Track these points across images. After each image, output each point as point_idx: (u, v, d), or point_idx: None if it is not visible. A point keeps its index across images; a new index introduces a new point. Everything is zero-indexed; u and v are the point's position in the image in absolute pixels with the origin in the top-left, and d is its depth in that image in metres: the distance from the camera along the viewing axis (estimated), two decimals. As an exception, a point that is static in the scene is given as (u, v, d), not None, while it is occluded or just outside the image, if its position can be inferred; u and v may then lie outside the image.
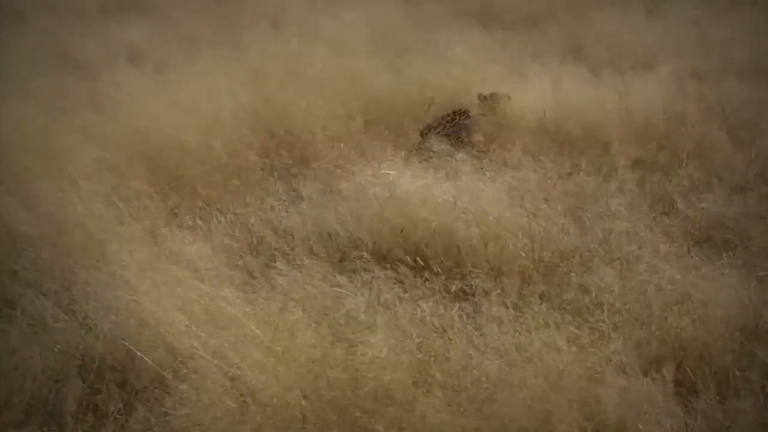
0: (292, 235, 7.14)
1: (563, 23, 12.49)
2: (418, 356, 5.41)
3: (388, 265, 6.52)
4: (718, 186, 7.73)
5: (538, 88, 9.30)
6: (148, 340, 5.72)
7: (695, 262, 6.58)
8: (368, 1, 12.86)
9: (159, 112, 8.67)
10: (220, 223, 7.32)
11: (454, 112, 8.70)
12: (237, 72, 9.67)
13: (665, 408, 5.15)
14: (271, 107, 8.79)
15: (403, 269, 6.45)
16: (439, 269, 6.55)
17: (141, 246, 6.77)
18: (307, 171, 8.14)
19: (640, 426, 5.00)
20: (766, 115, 8.97)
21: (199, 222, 7.26)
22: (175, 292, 6.04)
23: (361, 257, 6.60)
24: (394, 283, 6.26)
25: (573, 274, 6.41)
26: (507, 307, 5.95)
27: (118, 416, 5.39)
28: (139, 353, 5.65)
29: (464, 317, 5.96)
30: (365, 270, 6.41)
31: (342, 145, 8.47)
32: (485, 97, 9.05)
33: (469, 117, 8.73)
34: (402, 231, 6.85)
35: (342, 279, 6.30)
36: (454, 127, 8.61)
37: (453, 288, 6.38)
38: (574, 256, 6.70)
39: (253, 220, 7.42)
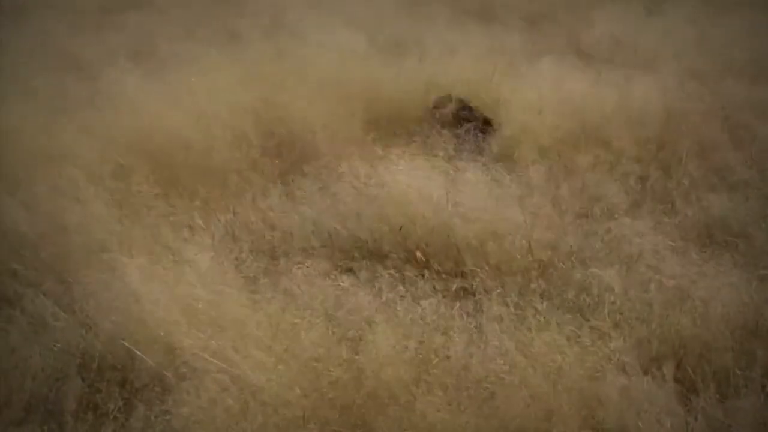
0: (292, 234, 7.14)
1: (563, 22, 12.52)
2: (419, 355, 5.41)
3: (388, 264, 6.53)
4: (718, 185, 7.75)
5: (537, 88, 9.29)
6: (148, 340, 5.70)
7: (695, 261, 6.58)
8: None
9: (159, 111, 8.66)
10: (219, 222, 7.30)
11: (457, 110, 8.70)
12: (237, 71, 9.67)
13: (665, 407, 5.15)
14: (271, 106, 8.77)
15: (404, 268, 6.47)
16: (439, 268, 6.55)
17: (141, 245, 6.78)
18: (307, 170, 8.09)
19: (640, 425, 4.99)
20: (766, 115, 8.98)
21: (199, 221, 7.23)
22: (176, 291, 6.04)
23: (361, 256, 6.62)
24: (395, 281, 6.26)
25: (573, 273, 6.42)
26: (508, 306, 5.94)
27: (118, 415, 5.37)
28: (139, 352, 5.64)
29: (465, 316, 5.95)
30: (366, 269, 6.42)
31: (342, 144, 8.46)
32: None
33: (469, 111, 8.71)
34: (401, 229, 6.85)
35: (343, 278, 6.31)
36: (454, 126, 8.61)
37: (454, 287, 6.39)
38: (574, 255, 6.70)
39: (252, 219, 7.39)
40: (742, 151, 8.35)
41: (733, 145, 8.45)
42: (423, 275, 6.42)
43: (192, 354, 5.52)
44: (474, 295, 6.28)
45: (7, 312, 6.17)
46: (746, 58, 10.45)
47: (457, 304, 6.11)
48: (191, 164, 8.07)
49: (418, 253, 6.67)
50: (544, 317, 5.80)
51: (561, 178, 7.86)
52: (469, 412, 5.07)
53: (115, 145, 8.15)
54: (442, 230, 6.84)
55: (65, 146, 8.00)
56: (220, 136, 8.36)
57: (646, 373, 5.38)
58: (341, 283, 6.22)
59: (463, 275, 6.51)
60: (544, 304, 6.03)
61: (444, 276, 6.50)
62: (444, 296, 6.22)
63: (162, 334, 5.69)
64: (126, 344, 5.69)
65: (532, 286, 6.30)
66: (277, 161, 8.30)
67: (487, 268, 6.51)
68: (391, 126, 8.87)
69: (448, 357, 5.44)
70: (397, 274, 6.38)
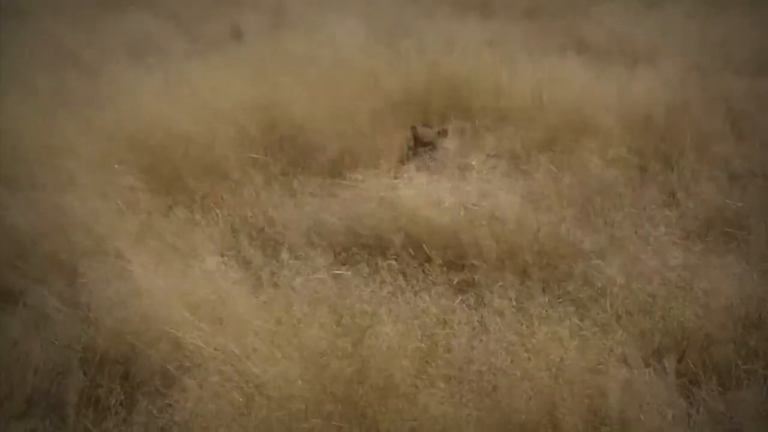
0: (293, 229, 7.13)
1: (563, 16, 12.52)
2: (421, 348, 5.42)
3: (390, 258, 6.53)
4: (720, 177, 7.75)
5: (538, 81, 9.29)
6: (150, 334, 5.71)
7: (697, 253, 6.62)
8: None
9: (159, 107, 8.64)
10: (220, 217, 7.30)
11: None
12: (238, 67, 9.66)
13: (667, 399, 5.15)
14: (272, 103, 8.75)
15: (406, 261, 6.47)
16: (441, 261, 6.55)
17: (141, 240, 6.79)
18: (308, 166, 8.10)
19: (642, 417, 4.99)
20: (766, 108, 8.98)
21: (200, 217, 7.23)
22: (177, 286, 6.05)
23: (363, 250, 6.62)
24: (397, 275, 6.26)
25: (575, 266, 6.44)
26: (509, 299, 5.94)
27: (119, 409, 5.37)
28: (141, 346, 5.65)
29: (467, 309, 5.96)
30: (368, 263, 6.42)
31: (344, 140, 8.45)
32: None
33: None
34: (403, 223, 6.86)
35: (344, 272, 6.31)
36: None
37: (455, 280, 6.40)
38: (576, 248, 6.71)
39: (253, 215, 7.40)
40: (743, 143, 8.36)
41: (735, 137, 8.46)
42: (425, 269, 6.42)
43: (195, 348, 5.53)
44: (476, 288, 6.29)
45: (8, 306, 6.18)
46: (747, 51, 10.47)
47: (459, 298, 6.13)
48: (192, 160, 8.07)
49: (425, 246, 6.69)
50: (546, 310, 5.81)
51: (562, 171, 7.85)
52: (471, 405, 5.07)
53: (116, 141, 8.16)
54: (443, 222, 6.85)
55: (66, 142, 8.00)
56: (221, 131, 8.35)
57: (647, 365, 5.39)
58: (343, 277, 6.23)
59: (464, 268, 6.53)
60: (546, 296, 6.05)
61: (446, 269, 6.50)
62: (446, 289, 6.24)
63: (164, 328, 5.69)
64: (128, 338, 5.70)
65: (534, 278, 6.32)
66: (278, 157, 8.29)
67: (488, 261, 6.52)
68: (392, 121, 8.85)
69: (450, 350, 5.44)
70: (398, 268, 6.37)
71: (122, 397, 5.45)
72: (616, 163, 7.98)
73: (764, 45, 10.67)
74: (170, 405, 5.22)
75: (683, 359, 5.56)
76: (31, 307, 6.11)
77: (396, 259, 6.50)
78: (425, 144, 8.21)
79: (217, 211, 7.39)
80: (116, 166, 7.75)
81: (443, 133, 8.34)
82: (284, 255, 6.58)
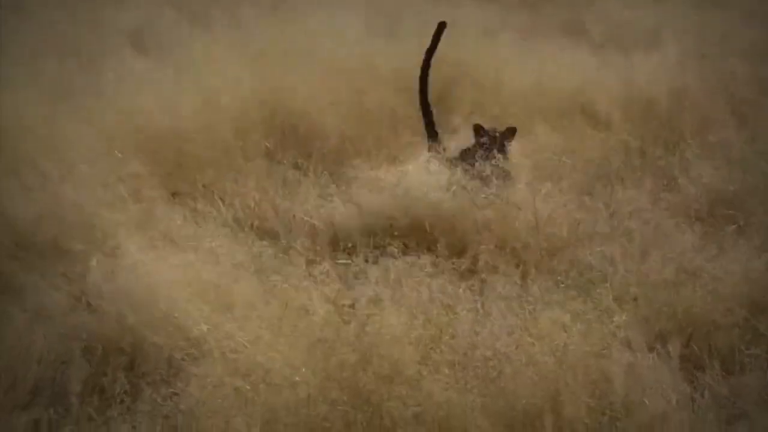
0: (294, 216, 7.16)
1: (564, 2, 12.49)
2: (426, 334, 5.42)
3: (395, 244, 6.54)
4: (721, 162, 7.75)
5: (540, 67, 9.29)
6: (154, 323, 5.71)
7: (699, 238, 6.63)
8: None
9: (161, 96, 8.66)
10: (224, 206, 7.32)
11: None
12: (240, 55, 9.64)
13: (671, 383, 5.16)
14: (275, 90, 8.74)
15: (411, 248, 6.49)
16: (445, 247, 6.57)
17: (144, 229, 6.81)
18: (312, 153, 8.08)
19: (646, 401, 5.00)
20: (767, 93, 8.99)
21: (204, 205, 7.25)
22: (182, 274, 6.06)
23: (367, 236, 6.65)
24: (401, 261, 6.26)
25: (578, 251, 6.45)
26: (513, 285, 5.98)
27: (124, 397, 5.36)
28: (145, 335, 5.66)
29: (470, 294, 5.97)
30: (372, 249, 6.45)
31: (347, 125, 8.44)
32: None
33: None
34: (407, 209, 6.86)
35: (350, 259, 6.34)
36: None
37: (460, 266, 6.42)
38: (579, 233, 6.72)
39: (256, 203, 7.41)
40: (744, 128, 8.37)
41: (736, 122, 8.47)
42: (430, 255, 6.43)
43: (200, 336, 5.53)
44: (480, 274, 6.30)
45: (10, 296, 6.17)
46: (750, 38, 10.45)
47: (464, 283, 6.14)
48: (194, 148, 8.07)
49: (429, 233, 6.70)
50: (549, 295, 5.83)
51: (565, 156, 7.85)
52: (475, 391, 5.07)
53: (118, 130, 8.17)
54: (448, 209, 6.86)
55: (67, 132, 8.00)
56: (223, 119, 8.36)
57: (651, 350, 5.39)
58: (349, 263, 6.26)
59: (469, 254, 6.54)
60: (549, 281, 6.07)
61: (450, 255, 6.52)
62: (451, 275, 6.25)
63: (168, 316, 5.69)
64: (132, 326, 5.70)
65: (537, 263, 6.34)
66: (281, 144, 8.28)
67: (492, 247, 6.53)
68: (394, 107, 8.84)
69: (454, 336, 5.46)
70: (404, 254, 6.39)
71: (127, 385, 5.43)
72: (618, 147, 7.97)
73: (765, 31, 10.66)
74: (175, 393, 5.20)
75: (688, 344, 5.56)
76: (32, 297, 6.10)
77: (400, 246, 6.52)
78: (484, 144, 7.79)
79: (220, 199, 7.39)
80: (119, 155, 7.75)
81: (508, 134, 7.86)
82: (288, 242, 6.60)
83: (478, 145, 7.73)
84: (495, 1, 12.56)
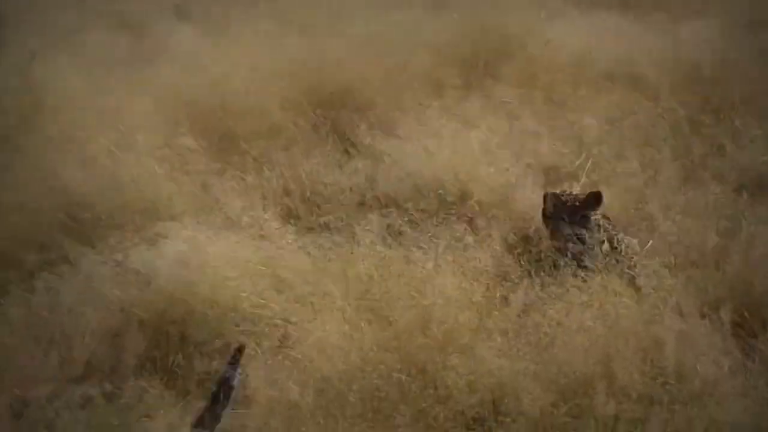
0: (345, 189, 7.19)
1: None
2: (480, 302, 5.46)
3: (447, 214, 6.60)
4: (768, 130, 7.72)
5: (586, 34, 9.21)
6: (206, 295, 5.77)
7: (747, 205, 6.60)
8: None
9: (207, 66, 8.64)
10: (273, 178, 7.34)
11: None
12: (285, 27, 9.62)
13: (723, 349, 5.20)
14: (321, 62, 8.70)
15: (463, 218, 6.51)
16: (497, 216, 6.59)
17: (194, 202, 6.88)
18: (360, 124, 8.04)
19: (698, 368, 5.03)
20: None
21: (253, 178, 7.28)
22: (232, 247, 6.13)
23: (418, 208, 6.67)
24: (456, 231, 6.31)
25: (631, 217, 6.45)
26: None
27: (176, 369, 5.47)
28: (198, 308, 5.72)
29: (523, 263, 6.02)
30: (424, 220, 6.49)
31: (394, 96, 8.41)
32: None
33: None
34: (459, 179, 6.86)
35: (403, 229, 6.39)
36: None
37: (512, 235, 6.44)
38: (631, 199, 6.71)
39: (305, 175, 7.40)
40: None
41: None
42: (483, 224, 6.46)
43: (251, 308, 5.59)
44: (533, 243, 6.34)
45: (64, 269, 6.18)
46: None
47: (516, 251, 6.17)
48: (242, 120, 8.05)
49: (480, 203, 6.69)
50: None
51: (611, 123, 7.83)
52: (528, 358, 5.12)
53: (166, 102, 8.14)
54: (498, 178, 6.88)
55: (116, 102, 8.03)
56: (270, 90, 8.34)
57: (703, 316, 5.42)
58: (402, 234, 6.34)
59: (520, 222, 6.56)
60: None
61: (503, 224, 6.52)
62: (504, 244, 6.28)
63: (219, 289, 5.76)
64: (184, 299, 5.76)
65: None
66: (329, 115, 8.25)
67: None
68: (440, 75, 8.78)
69: (507, 304, 5.50)
70: (456, 224, 6.44)
71: (180, 357, 5.52)
72: (665, 115, 7.94)
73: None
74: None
75: (738, 310, 5.56)
76: (85, 270, 6.13)
77: (454, 217, 6.56)
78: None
79: (271, 171, 7.41)
80: (167, 126, 7.76)
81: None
82: (338, 215, 6.63)
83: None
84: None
